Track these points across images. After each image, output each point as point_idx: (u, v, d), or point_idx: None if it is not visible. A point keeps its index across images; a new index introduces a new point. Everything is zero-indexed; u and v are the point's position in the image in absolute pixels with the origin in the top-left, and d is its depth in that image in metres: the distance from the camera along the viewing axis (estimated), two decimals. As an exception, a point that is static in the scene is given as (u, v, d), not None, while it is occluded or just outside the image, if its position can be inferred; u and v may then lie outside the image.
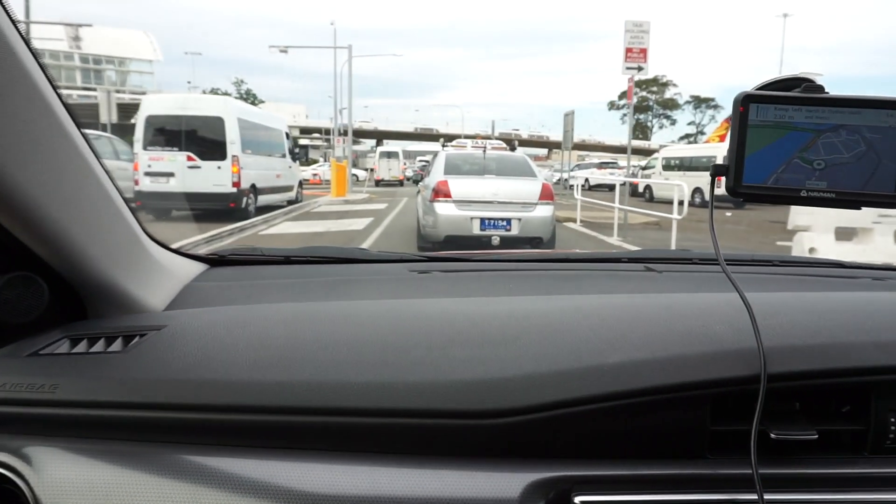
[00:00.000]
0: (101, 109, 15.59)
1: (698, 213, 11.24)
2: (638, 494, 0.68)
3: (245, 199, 12.45)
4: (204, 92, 64.79)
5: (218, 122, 11.94)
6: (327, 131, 36.87)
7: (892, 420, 0.72)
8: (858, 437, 0.74)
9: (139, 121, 11.88)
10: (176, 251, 1.10)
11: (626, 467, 0.70)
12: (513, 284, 1.15)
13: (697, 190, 22.28)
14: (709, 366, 0.71)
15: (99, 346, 0.80)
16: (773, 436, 0.69)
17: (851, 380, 0.73)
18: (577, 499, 0.67)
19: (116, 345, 0.80)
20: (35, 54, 0.67)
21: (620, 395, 0.69)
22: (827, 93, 0.68)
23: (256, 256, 1.26)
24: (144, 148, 11.84)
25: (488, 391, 0.70)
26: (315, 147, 57.27)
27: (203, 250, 1.27)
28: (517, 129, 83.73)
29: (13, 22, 0.64)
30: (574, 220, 12.89)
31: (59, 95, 0.72)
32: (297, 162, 17.11)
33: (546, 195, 7.33)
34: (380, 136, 75.35)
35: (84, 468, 0.68)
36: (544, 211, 7.27)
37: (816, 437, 0.70)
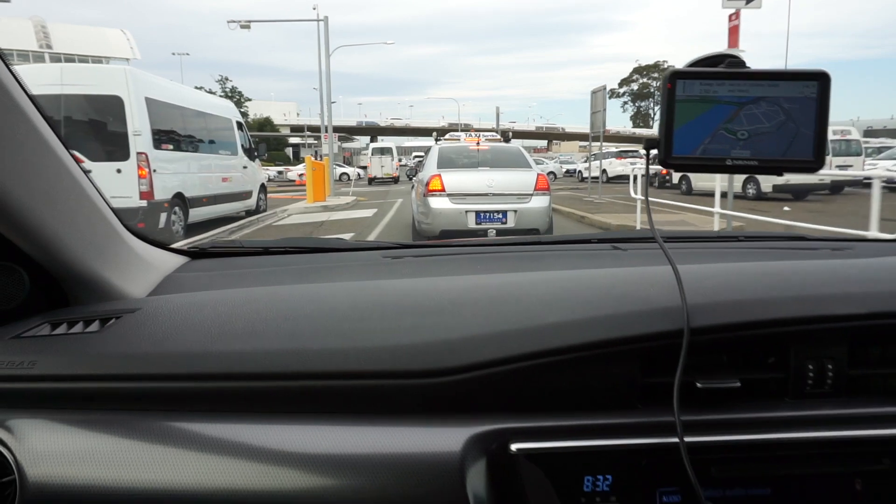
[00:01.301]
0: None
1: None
2: (571, 441, 0.72)
3: (165, 216, 8.64)
4: (186, 91, 60.54)
5: (115, 105, 8.06)
6: (318, 129, 33.33)
7: (810, 367, 0.77)
8: (781, 384, 0.78)
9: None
10: (156, 244, 1.12)
11: (561, 419, 0.73)
12: (481, 266, 1.17)
13: (751, 179, 18.50)
14: (637, 322, 0.75)
15: (77, 329, 0.82)
16: (699, 385, 0.74)
17: (771, 331, 0.76)
18: (514, 446, 0.71)
19: (94, 326, 0.82)
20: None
21: (555, 352, 0.73)
22: (748, 68, 0.72)
23: (236, 248, 1.33)
24: (8, 145, 8.05)
25: (433, 352, 0.74)
26: (307, 145, 53.55)
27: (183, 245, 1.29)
28: (514, 122, 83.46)
29: None
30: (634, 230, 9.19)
31: (25, 90, 0.74)
32: (258, 161, 13.29)
33: (541, 186, 7.14)
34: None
35: (64, 437, 0.72)
36: (540, 202, 7.08)
37: (739, 385, 0.75)
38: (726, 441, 0.72)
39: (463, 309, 0.80)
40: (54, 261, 0.82)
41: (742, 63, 0.71)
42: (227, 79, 61.39)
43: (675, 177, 21.67)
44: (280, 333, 0.78)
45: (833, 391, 0.77)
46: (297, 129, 66.40)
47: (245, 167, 12.15)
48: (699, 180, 20.42)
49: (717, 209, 7.08)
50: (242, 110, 63.23)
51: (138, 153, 8.14)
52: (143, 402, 0.75)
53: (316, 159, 17.29)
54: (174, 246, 1.19)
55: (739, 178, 18.67)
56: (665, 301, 0.76)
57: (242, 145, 12.32)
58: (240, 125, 12.21)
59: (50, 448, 0.70)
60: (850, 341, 0.78)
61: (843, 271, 0.89)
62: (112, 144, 8.13)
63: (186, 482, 0.68)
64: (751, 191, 18.21)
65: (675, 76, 0.71)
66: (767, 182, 17.48)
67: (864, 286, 0.81)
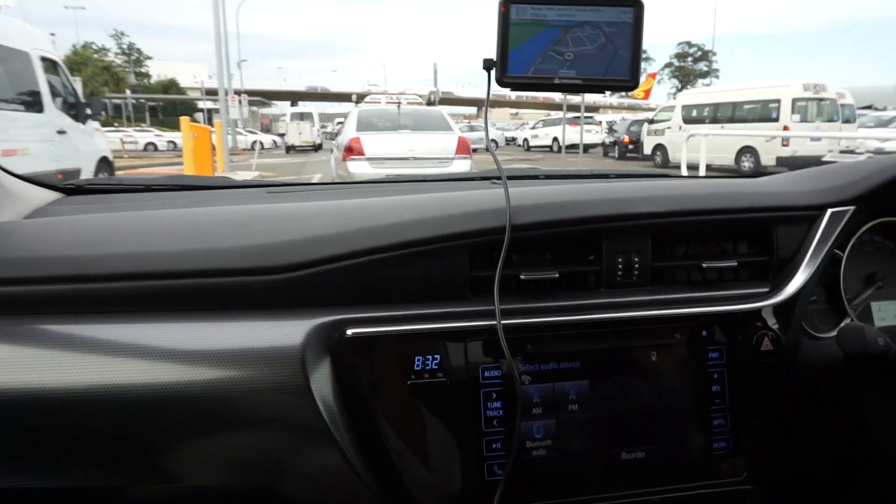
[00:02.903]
0: None
1: None
2: (403, 325, 0.78)
3: None
4: (75, 47, 52.11)
5: None
6: (236, 92, 28.30)
7: (619, 260, 0.86)
8: (598, 277, 0.87)
9: None
10: (26, 178, 1.08)
11: (396, 308, 0.79)
12: (358, 196, 1.18)
13: (747, 150, 15.40)
14: (465, 221, 0.81)
15: None
16: (522, 277, 0.82)
17: (584, 228, 0.84)
18: (350, 331, 0.76)
19: None
20: None
21: (389, 248, 0.78)
22: None
23: (115, 185, 1.28)
24: None
25: (280, 251, 0.78)
26: (217, 111, 47.69)
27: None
28: (439, 88, 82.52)
29: None
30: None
31: None
32: (92, 121, 8.75)
33: (463, 149, 7.16)
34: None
35: None
36: (462, 165, 7.10)
37: (557, 275, 0.83)
38: (541, 322, 0.81)
39: (315, 218, 0.84)
40: None
41: None
42: (122, 34, 53.61)
43: (648, 146, 18.43)
44: (136, 240, 0.80)
45: (640, 281, 0.87)
46: (210, 93, 59.76)
47: (62, 132, 7.70)
48: (676, 151, 17.25)
49: None
50: (142, 70, 56.24)
51: None
52: (5, 307, 0.75)
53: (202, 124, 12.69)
54: (45, 181, 1.14)
55: (732, 150, 15.70)
56: (492, 204, 0.83)
57: (64, 99, 7.89)
58: (53, 65, 7.74)
59: None
60: (654, 238, 0.87)
61: (657, 183, 0.96)
62: None
63: (46, 381, 0.71)
64: (746, 164, 15.12)
65: (509, 0, 0.76)
66: (768, 155, 14.54)
67: (667, 191, 0.90)
